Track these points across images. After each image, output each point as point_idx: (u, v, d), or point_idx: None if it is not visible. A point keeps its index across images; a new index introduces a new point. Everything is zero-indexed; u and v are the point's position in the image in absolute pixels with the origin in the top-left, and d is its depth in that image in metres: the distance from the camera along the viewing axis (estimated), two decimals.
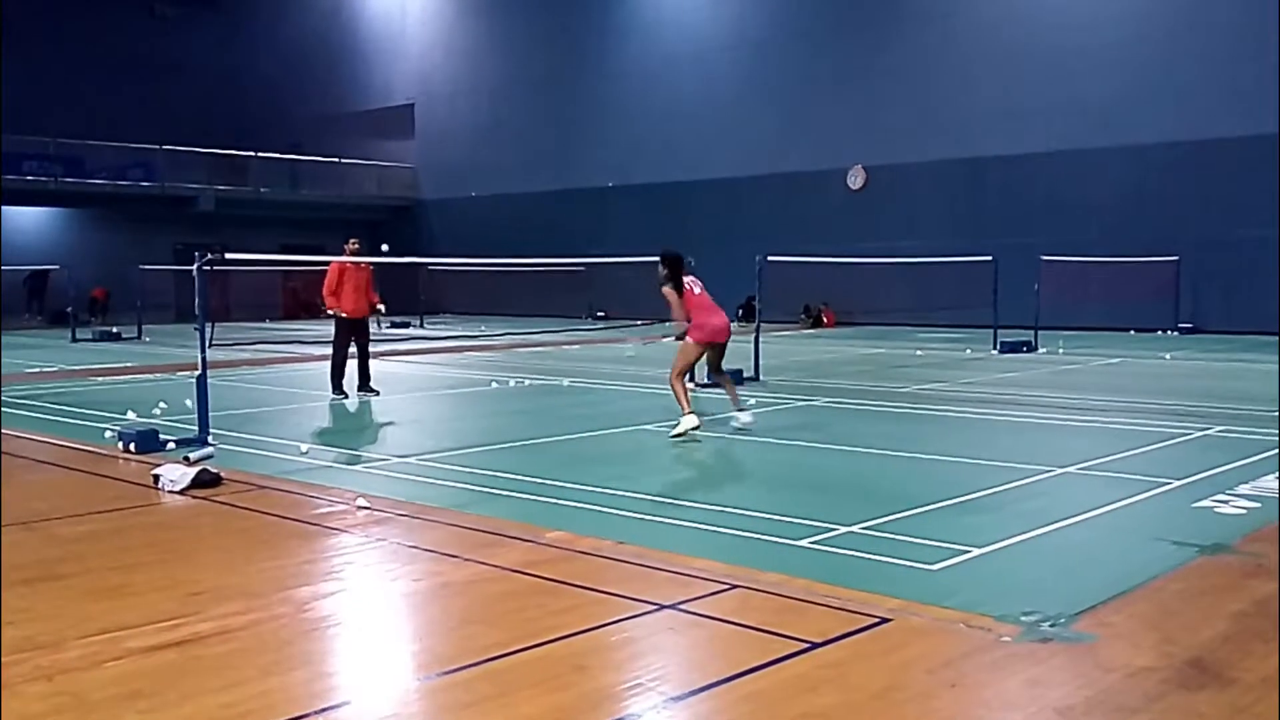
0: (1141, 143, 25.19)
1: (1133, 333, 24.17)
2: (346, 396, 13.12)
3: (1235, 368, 16.88)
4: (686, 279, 10.40)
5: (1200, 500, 7.02)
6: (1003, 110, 27.17)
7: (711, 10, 32.80)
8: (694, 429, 9.82)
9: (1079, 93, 25.95)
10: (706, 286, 11.07)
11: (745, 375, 14.46)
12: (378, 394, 13.34)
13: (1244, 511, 6.70)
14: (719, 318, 10.38)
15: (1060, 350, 19.54)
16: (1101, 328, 24.40)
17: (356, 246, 13.55)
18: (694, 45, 33.01)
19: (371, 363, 13.86)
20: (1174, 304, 24.46)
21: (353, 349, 13.40)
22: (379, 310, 13.98)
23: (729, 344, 10.69)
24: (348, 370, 13.37)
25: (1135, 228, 25.09)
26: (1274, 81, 22.92)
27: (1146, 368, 16.88)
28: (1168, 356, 18.55)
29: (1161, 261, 24.27)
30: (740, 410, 10.54)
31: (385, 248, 13.85)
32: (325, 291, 13.30)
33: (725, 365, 12.81)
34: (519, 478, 7.97)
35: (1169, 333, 24.08)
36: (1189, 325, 24.23)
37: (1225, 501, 6.96)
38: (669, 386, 10.26)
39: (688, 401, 10.03)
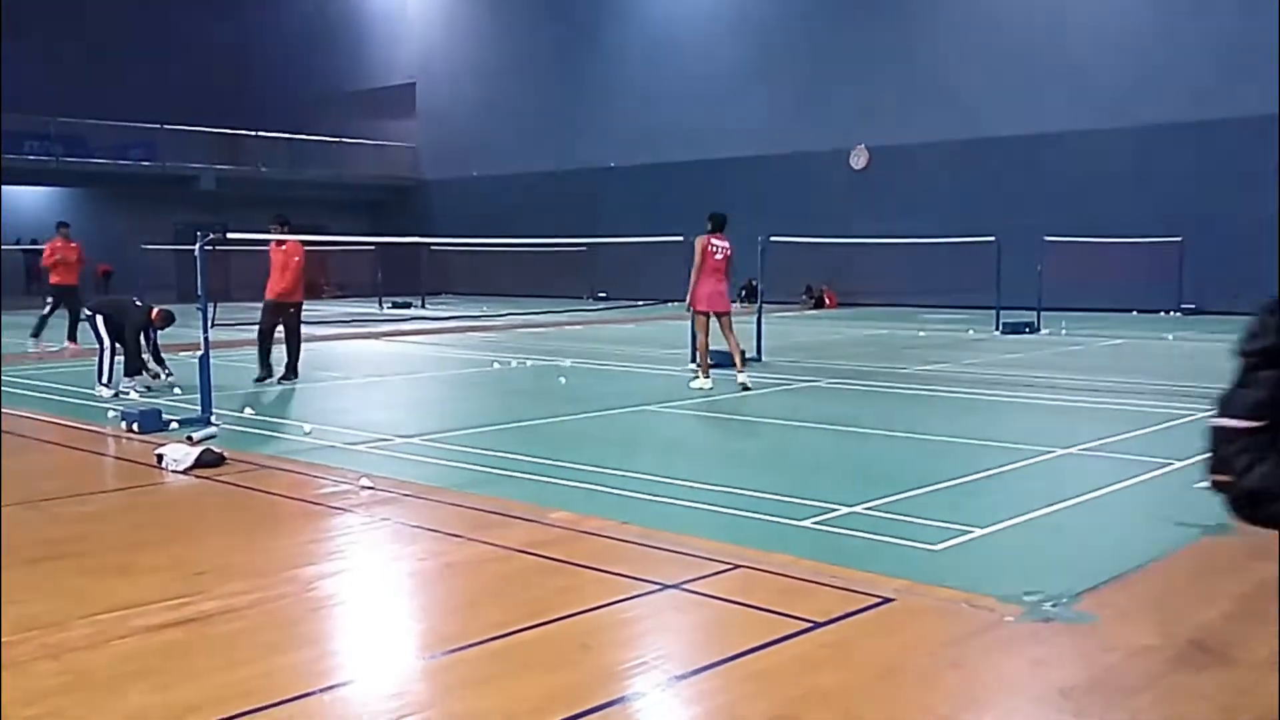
0: (1144, 123, 25.09)
1: (1135, 314, 24.14)
2: (267, 379, 12.53)
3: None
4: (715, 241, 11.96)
5: (1203, 481, 7.00)
6: (1005, 91, 27.05)
7: None
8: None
9: (1082, 73, 25.83)
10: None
11: (748, 356, 14.45)
12: (294, 379, 12.72)
13: None
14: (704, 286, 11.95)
15: (1063, 331, 19.52)
16: (1104, 309, 24.36)
17: (276, 228, 12.85)
18: (696, 24, 32.86)
19: (304, 351, 13.20)
20: (1177, 285, 24.41)
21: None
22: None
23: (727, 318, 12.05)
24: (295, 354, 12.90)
25: (1138, 208, 25.01)
26: (1276, 62, 22.79)
27: (1149, 348, 16.87)
28: (1170, 337, 18.54)
29: (1164, 242, 24.21)
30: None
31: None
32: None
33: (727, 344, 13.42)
34: (522, 458, 7.97)
35: (1172, 314, 24.05)
36: (1191, 306, 24.19)
37: None
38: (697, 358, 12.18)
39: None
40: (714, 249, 11.98)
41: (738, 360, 12.02)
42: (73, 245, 17.79)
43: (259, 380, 12.45)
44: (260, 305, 13.03)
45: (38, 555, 5.66)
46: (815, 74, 30.26)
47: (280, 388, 12.38)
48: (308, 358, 14.42)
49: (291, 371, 12.79)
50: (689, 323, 14.20)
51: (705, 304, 11.95)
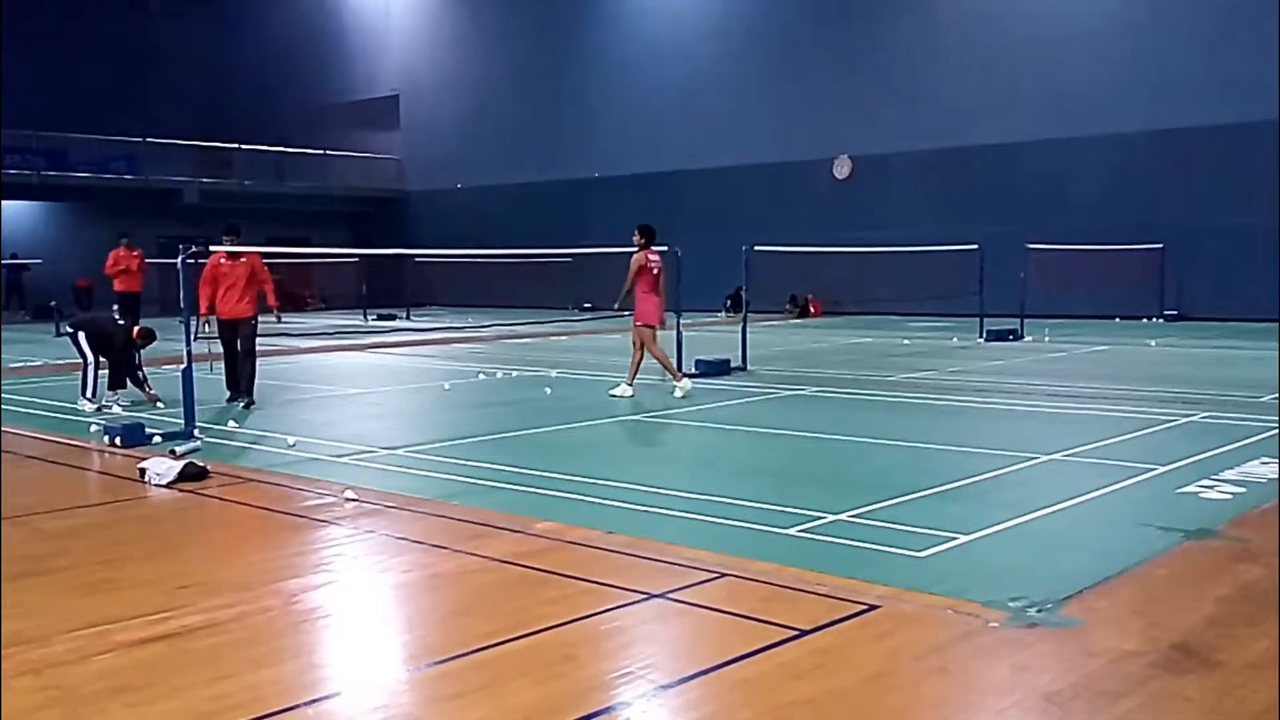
0: (1125, 130, 25.26)
1: (1118, 320, 24.26)
2: (238, 399, 11.88)
3: (1220, 354, 16.96)
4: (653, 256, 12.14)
5: (1185, 486, 7.06)
6: (987, 99, 27.21)
7: (697, 1, 32.73)
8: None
9: (1063, 80, 26.00)
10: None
11: (733, 365, 14.49)
12: (251, 404, 11.79)
13: (1229, 496, 6.74)
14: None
15: (1046, 338, 19.60)
16: (1087, 315, 24.48)
17: (230, 240, 11.87)
18: (679, 35, 32.95)
19: (258, 370, 12.29)
20: (1159, 291, 24.56)
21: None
22: (271, 310, 12.49)
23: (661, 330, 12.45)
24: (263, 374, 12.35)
25: (1120, 215, 25.17)
26: (1256, 68, 22.98)
27: (1132, 355, 16.95)
28: (1153, 343, 18.63)
29: (1146, 249, 24.36)
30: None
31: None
32: (200, 290, 11.71)
33: (714, 354, 13.89)
34: (507, 469, 7.96)
35: (1154, 320, 24.18)
36: (1174, 312, 24.34)
37: (1210, 487, 7.00)
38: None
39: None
40: (651, 264, 12.15)
41: (634, 374, 12.18)
42: (134, 254, 18.82)
43: (231, 401, 11.89)
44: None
45: (20, 571, 5.62)
46: (798, 84, 30.37)
47: (260, 401, 12.29)
48: (292, 370, 14.38)
49: (249, 395, 11.92)
50: (674, 332, 14.27)
51: (656, 317, 12.19)
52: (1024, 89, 26.60)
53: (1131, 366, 15.17)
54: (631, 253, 12.30)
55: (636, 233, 12.32)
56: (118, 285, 18.61)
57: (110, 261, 18.68)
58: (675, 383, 12.07)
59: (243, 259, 11.87)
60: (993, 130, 27.16)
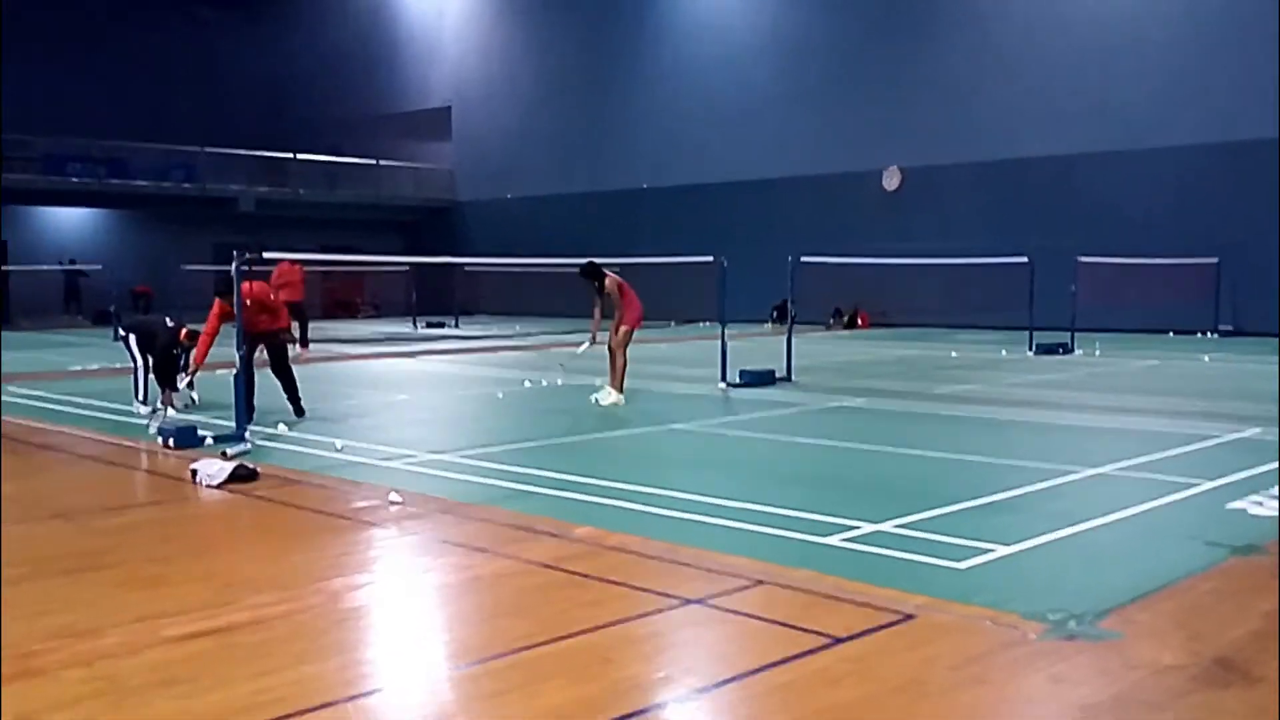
0: (1179, 144, 24.91)
1: (1171, 335, 23.89)
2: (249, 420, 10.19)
3: (1274, 370, 16.64)
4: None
5: (1234, 501, 6.96)
6: (1039, 111, 26.95)
7: (746, 12, 32.76)
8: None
9: (1116, 93, 25.71)
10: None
11: (778, 376, 14.48)
12: (301, 415, 11.28)
13: (1278, 513, 6.64)
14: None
15: (1097, 352, 19.36)
16: (1140, 330, 24.14)
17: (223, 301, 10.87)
18: (729, 47, 32.98)
19: (300, 384, 11.63)
20: (1214, 306, 24.15)
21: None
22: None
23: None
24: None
25: (1173, 229, 24.80)
26: None
27: (1184, 370, 16.70)
28: (1206, 359, 18.34)
29: (1201, 263, 23.99)
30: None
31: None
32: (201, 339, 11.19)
33: (760, 365, 14.04)
34: (550, 474, 8.02)
35: (1209, 335, 23.78)
36: (1229, 328, 23.91)
37: (1259, 503, 6.90)
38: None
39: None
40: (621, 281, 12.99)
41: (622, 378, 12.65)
42: (296, 267, 19.92)
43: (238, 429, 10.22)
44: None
45: (73, 566, 5.77)
46: (847, 95, 30.28)
47: (310, 407, 12.41)
48: (342, 376, 14.52)
49: (297, 404, 11.41)
50: (719, 342, 14.31)
51: (639, 322, 12.99)
52: (1077, 101, 26.31)
53: (1183, 382, 14.95)
54: (590, 285, 13.05)
55: (587, 274, 13.07)
56: (283, 295, 19.38)
57: (275, 275, 19.40)
58: (610, 390, 12.47)
59: (247, 303, 10.39)
60: (1044, 142, 26.89)
